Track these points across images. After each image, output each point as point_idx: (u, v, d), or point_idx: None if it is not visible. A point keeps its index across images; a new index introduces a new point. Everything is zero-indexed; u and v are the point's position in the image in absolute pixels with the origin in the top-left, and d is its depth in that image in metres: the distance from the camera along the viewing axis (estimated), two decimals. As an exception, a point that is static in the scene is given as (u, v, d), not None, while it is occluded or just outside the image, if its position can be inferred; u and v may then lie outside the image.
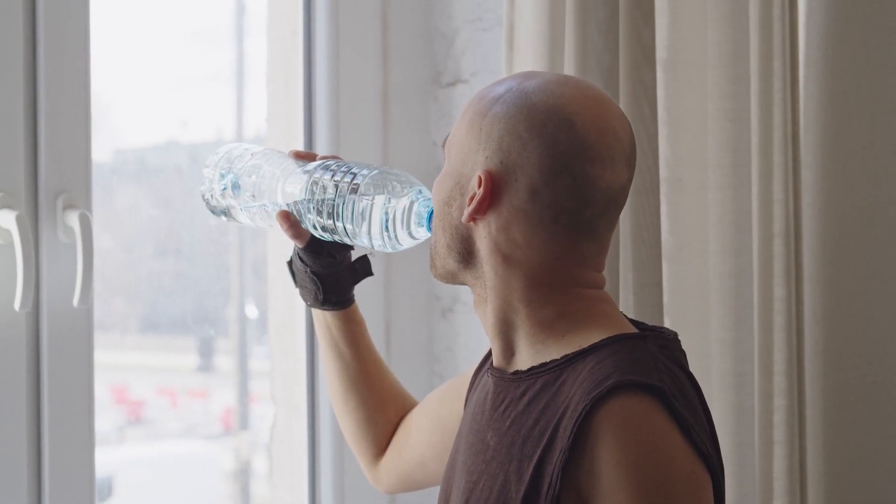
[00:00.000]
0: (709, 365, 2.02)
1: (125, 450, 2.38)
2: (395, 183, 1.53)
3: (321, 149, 2.16)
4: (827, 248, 2.23)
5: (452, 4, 2.22)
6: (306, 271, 1.62)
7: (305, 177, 1.58)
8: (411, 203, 1.52)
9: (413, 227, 1.51)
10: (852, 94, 2.22)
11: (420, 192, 1.53)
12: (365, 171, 1.54)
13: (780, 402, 2.06)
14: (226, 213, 1.66)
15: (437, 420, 1.63)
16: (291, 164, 1.62)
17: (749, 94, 2.03)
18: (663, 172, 2.01)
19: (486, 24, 2.18)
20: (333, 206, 1.54)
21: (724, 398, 2.01)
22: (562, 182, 1.35)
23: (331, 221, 1.54)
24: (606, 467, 1.28)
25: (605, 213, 1.39)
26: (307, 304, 1.67)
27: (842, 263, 2.22)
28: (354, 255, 1.66)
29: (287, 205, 1.59)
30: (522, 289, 1.39)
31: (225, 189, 1.64)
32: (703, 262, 2.04)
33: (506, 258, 1.39)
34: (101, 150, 2.06)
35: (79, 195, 1.77)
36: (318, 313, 1.67)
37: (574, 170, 1.35)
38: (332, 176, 1.55)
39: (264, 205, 1.61)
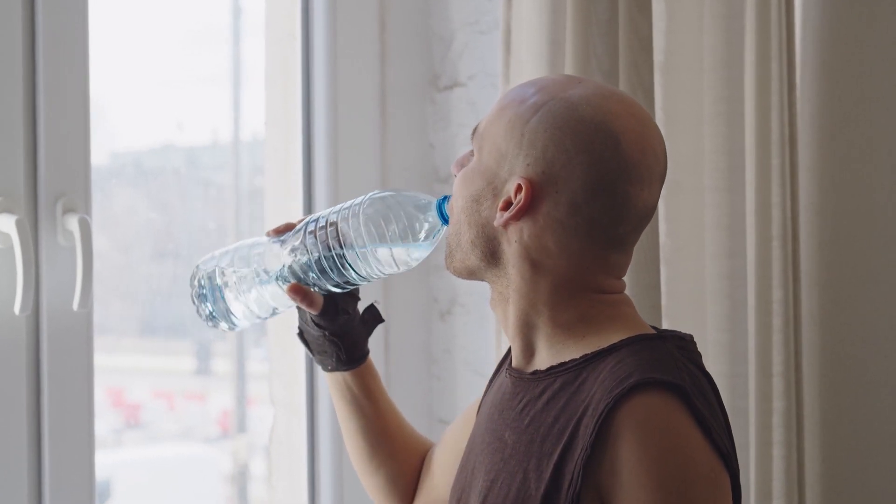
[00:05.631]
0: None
1: (123, 452, 2.38)
2: (384, 209, 1.50)
3: (319, 152, 2.16)
4: (824, 251, 2.23)
5: (450, 7, 2.22)
6: (324, 335, 1.59)
7: (296, 243, 1.54)
8: (410, 222, 1.50)
9: (421, 239, 1.50)
10: (849, 97, 2.22)
11: (414, 205, 1.51)
12: (359, 214, 1.50)
13: (777, 404, 2.07)
14: (227, 319, 1.60)
15: (455, 454, 1.61)
16: (270, 243, 1.57)
17: (743, 98, 2.04)
18: (661, 175, 2.02)
19: (483, 27, 2.18)
20: (342, 259, 1.51)
21: (719, 399, 2.02)
22: (602, 199, 1.36)
23: (343, 275, 1.52)
24: (627, 464, 1.28)
25: (637, 229, 1.41)
26: (328, 369, 1.62)
27: (839, 265, 2.23)
28: (360, 304, 1.63)
29: (287, 279, 1.55)
30: (548, 293, 1.40)
31: (214, 309, 1.60)
32: (699, 264, 2.05)
33: (534, 264, 1.39)
34: (98, 152, 2.06)
35: (78, 199, 1.77)
36: (335, 377, 1.63)
37: (616, 189, 1.37)
38: (325, 232, 1.51)
39: (261, 294, 1.57)
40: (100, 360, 1.85)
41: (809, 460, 2.19)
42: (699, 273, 2.05)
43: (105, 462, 2.15)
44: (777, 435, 2.07)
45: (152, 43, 2.16)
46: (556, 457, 1.33)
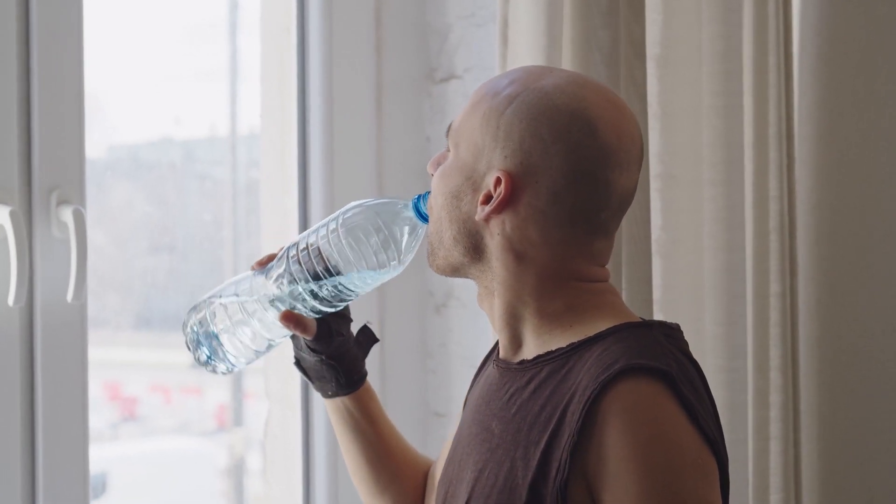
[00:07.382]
0: (702, 361, 2.02)
1: (119, 446, 2.38)
2: (362, 221, 1.49)
3: (315, 145, 2.16)
4: (821, 244, 2.23)
5: (446, 0, 2.22)
6: (321, 360, 1.57)
7: (280, 271, 1.52)
8: (390, 229, 1.49)
9: (404, 243, 1.49)
10: (846, 90, 2.22)
11: (391, 210, 1.50)
12: (338, 230, 1.49)
13: (774, 398, 2.06)
14: (225, 361, 1.58)
15: None
16: (255, 276, 1.55)
17: (741, 91, 2.03)
18: (657, 168, 2.02)
19: (479, 19, 2.18)
20: (329, 279, 1.49)
21: (717, 394, 2.01)
22: (582, 186, 1.37)
23: (331, 294, 1.51)
24: (614, 450, 1.28)
25: (618, 214, 1.41)
26: (328, 395, 1.61)
27: (836, 259, 2.23)
28: (353, 326, 1.61)
29: (277, 308, 1.54)
30: (533, 283, 1.40)
31: (210, 353, 1.57)
32: (696, 257, 2.04)
33: (518, 255, 1.39)
34: (95, 146, 2.06)
35: (72, 191, 1.77)
36: (335, 404, 1.62)
37: (596, 175, 1.37)
38: (308, 254, 1.50)
39: (254, 329, 1.56)
40: (96, 353, 1.85)
41: (807, 454, 2.19)
42: (697, 267, 2.04)
43: (101, 456, 2.15)
44: (774, 429, 2.07)
45: (149, 37, 2.16)
46: (542, 444, 1.33)
